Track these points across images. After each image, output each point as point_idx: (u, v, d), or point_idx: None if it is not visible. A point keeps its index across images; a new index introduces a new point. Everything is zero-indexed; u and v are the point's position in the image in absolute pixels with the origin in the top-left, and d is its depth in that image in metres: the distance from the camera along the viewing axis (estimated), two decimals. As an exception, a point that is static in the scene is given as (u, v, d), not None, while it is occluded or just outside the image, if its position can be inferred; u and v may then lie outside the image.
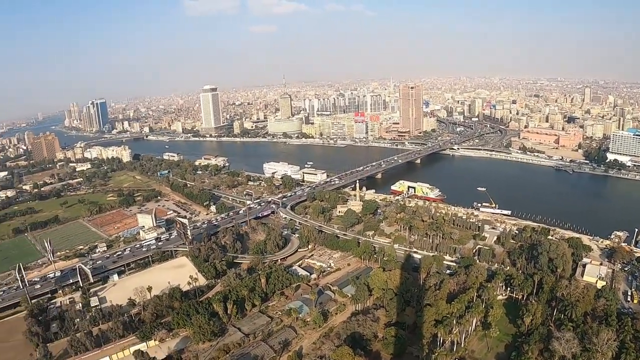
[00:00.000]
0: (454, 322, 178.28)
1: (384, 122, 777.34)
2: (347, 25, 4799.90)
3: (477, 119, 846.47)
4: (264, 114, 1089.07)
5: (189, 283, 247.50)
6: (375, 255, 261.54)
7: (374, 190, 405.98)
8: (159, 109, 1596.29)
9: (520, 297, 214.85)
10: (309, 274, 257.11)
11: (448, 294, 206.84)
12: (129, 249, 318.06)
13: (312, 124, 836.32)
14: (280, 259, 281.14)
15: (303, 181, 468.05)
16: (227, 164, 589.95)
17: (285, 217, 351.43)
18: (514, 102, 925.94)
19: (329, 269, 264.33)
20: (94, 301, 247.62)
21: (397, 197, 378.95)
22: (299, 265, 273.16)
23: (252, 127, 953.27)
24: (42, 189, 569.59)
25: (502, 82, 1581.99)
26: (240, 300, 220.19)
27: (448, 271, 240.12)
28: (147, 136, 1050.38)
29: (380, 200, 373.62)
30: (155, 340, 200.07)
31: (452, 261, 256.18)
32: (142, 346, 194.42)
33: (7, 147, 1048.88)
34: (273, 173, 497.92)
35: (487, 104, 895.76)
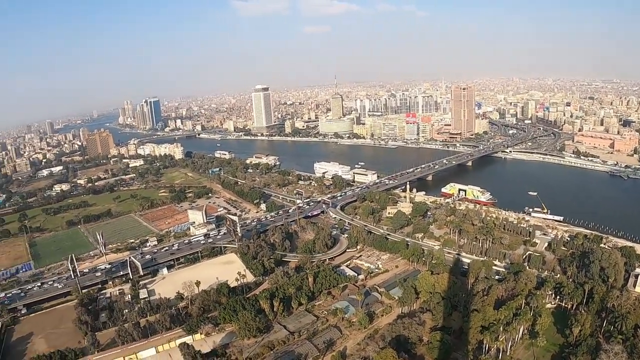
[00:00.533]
0: (501, 329, 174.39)
1: (436, 123, 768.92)
2: (399, 25, 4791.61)
3: (529, 122, 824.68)
4: (315, 113, 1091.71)
5: (236, 279, 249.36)
6: (423, 258, 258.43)
7: (424, 192, 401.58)
8: (211, 107, 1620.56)
9: (569, 307, 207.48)
10: (356, 275, 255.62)
11: (496, 300, 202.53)
12: (179, 244, 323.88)
13: (363, 124, 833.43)
14: (329, 259, 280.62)
15: (353, 181, 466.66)
16: (278, 163, 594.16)
17: (335, 217, 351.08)
18: (567, 104, 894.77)
19: (376, 270, 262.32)
20: (143, 293, 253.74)
21: (447, 200, 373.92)
22: (347, 266, 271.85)
23: (303, 126, 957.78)
24: (96, 183, 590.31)
25: (555, 83, 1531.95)
26: (286, 298, 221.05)
27: (497, 277, 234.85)
28: (199, 134, 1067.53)
29: (431, 202, 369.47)
30: (201, 333, 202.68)
31: (501, 267, 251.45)
32: (188, 339, 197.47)
33: (62, 143, 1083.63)
34: (324, 173, 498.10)
35: (540, 106, 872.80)
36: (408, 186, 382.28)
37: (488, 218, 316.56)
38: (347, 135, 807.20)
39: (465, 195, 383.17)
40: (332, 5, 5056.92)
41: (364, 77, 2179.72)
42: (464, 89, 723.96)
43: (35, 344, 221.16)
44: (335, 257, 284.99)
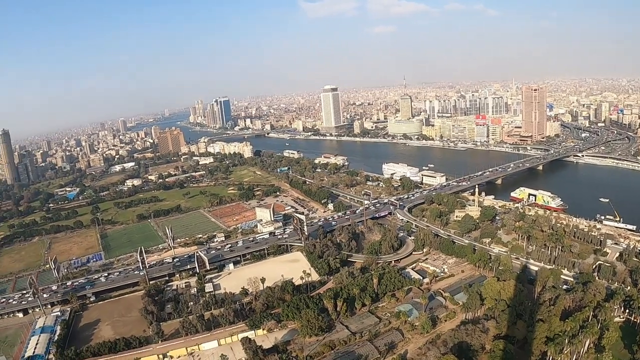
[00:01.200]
0: (566, 341, 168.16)
1: (506, 125, 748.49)
2: (468, 24, 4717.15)
3: (602, 125, 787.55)
4: (384, 114, 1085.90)
5: (301, 278, 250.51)
6: (490, 264, 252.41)
7: (493, 196, 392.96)
8: (280, 107, 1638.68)
9: (639, 321, 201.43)
10: (421, 278, 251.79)
11: (562, 310, 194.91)
12: (244, 240, 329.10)
13: (432, 125, 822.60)
14: (394, 261, 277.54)
15: (421, 183, 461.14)
16: (346, 163, 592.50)
17: (402, 219, 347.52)
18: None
19: (442, 274, 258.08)
20: (208, 287, 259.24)
21: (516, 205, 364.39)
22: (413, 269, 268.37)
23: (372, 127, 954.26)
24: (167, 179, 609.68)
25: (630, 84, 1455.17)
26: (350, 299, 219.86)
27: (565, 286, 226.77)
28: (268, 133, 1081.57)
29: (499, 206, 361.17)
30: (263, 329, 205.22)
31: (569, 276, 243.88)
32: (251, 334, 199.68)
33: (135, 140, 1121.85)
34: (392, 174, 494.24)
35: (614, 108, 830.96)
36: (477, 189, 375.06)
37: (558, 225, 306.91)
38: (416, 136, 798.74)
39: (535, 200, 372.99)
40: (400, 4, 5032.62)
41: (433, 78, 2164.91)
42: (535, 90, 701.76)
43: (101, 330, 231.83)
44: (401, 259, 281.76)
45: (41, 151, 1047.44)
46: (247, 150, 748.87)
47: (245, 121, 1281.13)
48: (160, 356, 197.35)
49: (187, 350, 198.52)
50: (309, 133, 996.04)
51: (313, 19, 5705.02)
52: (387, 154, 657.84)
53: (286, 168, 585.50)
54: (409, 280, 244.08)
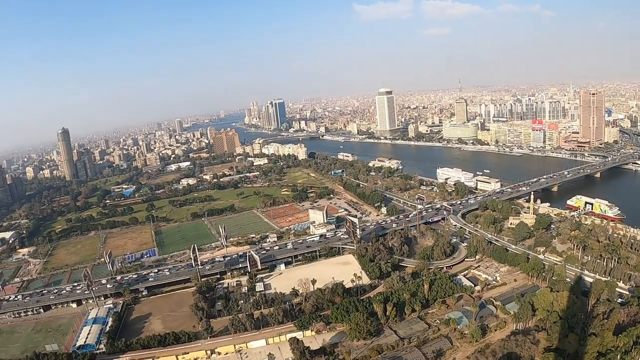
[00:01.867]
0: (618, 357, 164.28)
1: (563, 130, 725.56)
2: (523, 26, 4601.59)
3: None
4: (439, 118, 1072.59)
5: (352, 280, 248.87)
6: (543, 274, 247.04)
7: (548, 204, 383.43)
8: (334, 110, 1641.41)
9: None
10: (473, 285, 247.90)
11: (616, 325, 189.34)
12: (294, 242, 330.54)
13: (488, 130, 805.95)
14: (446, 267, 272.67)
15: (476, 189, 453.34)
16: (400, 167, 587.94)
17: (455, 225, 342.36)
18: None
19: (494, 282, 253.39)
20: (259, 286, 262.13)
21: (572, 213, 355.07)
22: (464, 275, 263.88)
23: (426, 131, 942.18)
24: (221, 179, 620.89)
25: None
26: (400, 304, 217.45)
27: (619, 300, 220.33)
28: (322, 136, 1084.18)
29: (555, 214, 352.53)
30: (312, 330, 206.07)
31: (625, 289, 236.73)
32: (299, 334, 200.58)
33: (191, 140, 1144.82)
34: (446, 179, 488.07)
35: None
36: (532, 196, 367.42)
37: (615, 235, 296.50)
38: (471, 141, 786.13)
39: (592, 209, 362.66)
40: (454, 6, 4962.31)
41: (489, 81, 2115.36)
42: (593, 94, 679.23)
43: (152, 323, 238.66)
44: (452, 265, 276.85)
45: (99, 149, 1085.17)
46: (301, 152, 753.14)
47: (299, 123, 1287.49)
48: (208, 352, 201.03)
49: (235, 348, 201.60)
50: (364, 136, 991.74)
51: (367, 21, 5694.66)
52: (442, 158, 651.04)
53: (340, 171, 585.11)
54: (460, 287, 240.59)
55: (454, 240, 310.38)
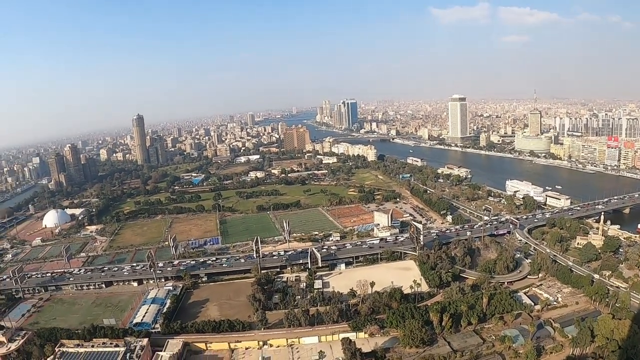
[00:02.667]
0: None
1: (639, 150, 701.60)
2: (602, 37, 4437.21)
3: None
4: (511, 128, 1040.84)
5: (411, 287, 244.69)
6: (607, 299, 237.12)
7: (618, 226, 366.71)
8: (406, 113, 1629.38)
9: None
10: (532, 304, 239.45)
11: None
12: (357, 243, 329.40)
13: (561, 144, 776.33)
14: (507, 282, 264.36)
15: (545, 204, 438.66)
16: (469, 176, 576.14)
17: (521, 240, 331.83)
18: None
19: (554, 303, 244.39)
20: (317, 284, 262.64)
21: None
22: (525, 293, 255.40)
23: (498, 140, 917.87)
24: (289, 175, 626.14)
25: None
26: (457, 315, 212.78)
27: None
28: (393, 139, 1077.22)
29: (624, 238, 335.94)
30: (365, 333, 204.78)
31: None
32: (352, 335, 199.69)
33: (261, 134, 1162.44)
34: (515, 192, 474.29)
35: None
36: (602, 217, 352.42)
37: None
38: (543, 154, 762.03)
39: None
40: (532, 13, 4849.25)
41: (565, 93, 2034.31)
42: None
43: (208, 309, 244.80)
44: (514, 281, 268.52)
45: (172, 137, 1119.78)
46: (370, 154, 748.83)
47: (371, 124, 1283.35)
48: (261, 343, 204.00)
49: (287, 342, 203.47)
50: (434, 142, 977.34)
51: (443, 25, 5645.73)
52: (512, 170, 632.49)
53: (408, 175, 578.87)
54: (520, 304, 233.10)
55: (518, 255, 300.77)
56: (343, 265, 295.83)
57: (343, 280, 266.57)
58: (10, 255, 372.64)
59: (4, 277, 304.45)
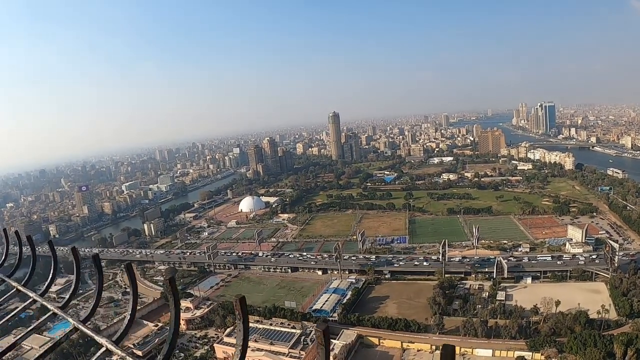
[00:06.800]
0: None
1: None
2: None
3: None
4: None
5: (598, 312, 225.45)
6: None
7: None
8: (608, 119, 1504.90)
9: None
10: None
11: None
12: (546, 257, 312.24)
13: None
14: None
15: None
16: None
17: None
18: None
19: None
20: (500, 295, 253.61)
21: None
22: None
23: None
24: (482, 179, 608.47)
25: None
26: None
27: None
28: (592, 147, 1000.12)
29: None
30: (542, 354, 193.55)
31: None
32: (528, 355, 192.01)
33: (455, 136, 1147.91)
34: None
35: None
36: None
37: None
38: None
39: None
40: None
41: None
42: None
43: (387, 306, 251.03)
44: None
45: (366, 135, 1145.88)
46: (568, 162, 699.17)
47: (569, 130, 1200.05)
48: (433, 347, 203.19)
49: (459, 350, 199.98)
50: (638, 152, 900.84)
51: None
52: None
53: (608, 188, 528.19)
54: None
55: None
56: (529, 279, 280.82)
57: (527, 295, 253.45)
58: (207, 233, 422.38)
59: (199, 252, 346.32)
